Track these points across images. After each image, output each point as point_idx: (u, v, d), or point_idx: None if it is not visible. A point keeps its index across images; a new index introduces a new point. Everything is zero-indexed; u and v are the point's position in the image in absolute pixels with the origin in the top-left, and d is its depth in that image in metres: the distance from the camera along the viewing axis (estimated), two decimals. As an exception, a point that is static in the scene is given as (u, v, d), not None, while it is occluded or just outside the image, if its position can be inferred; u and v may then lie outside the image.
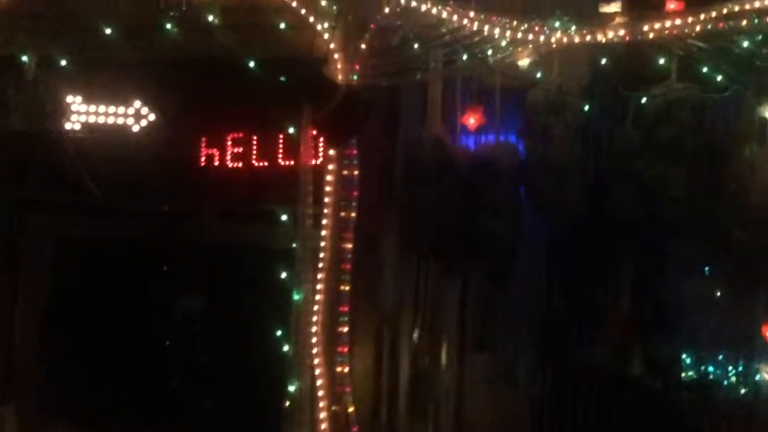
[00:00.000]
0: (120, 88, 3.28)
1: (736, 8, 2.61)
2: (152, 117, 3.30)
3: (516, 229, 2.89)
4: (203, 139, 3.32)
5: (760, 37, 2.60)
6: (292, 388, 2.77)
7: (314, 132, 2.83)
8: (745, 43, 2.61)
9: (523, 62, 2.93)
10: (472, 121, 3.07)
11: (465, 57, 2.84)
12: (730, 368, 3.18)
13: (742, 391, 3.09)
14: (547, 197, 2.77)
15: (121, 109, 3.33)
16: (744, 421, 3.01)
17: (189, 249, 3.43)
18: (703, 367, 3.21)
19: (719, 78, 2.65)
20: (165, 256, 3.49)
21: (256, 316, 3.17)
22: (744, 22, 2.59)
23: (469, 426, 3.25)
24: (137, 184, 3.23)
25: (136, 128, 3.34)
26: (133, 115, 3.33)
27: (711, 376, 3.18)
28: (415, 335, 3.20)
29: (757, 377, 3.10)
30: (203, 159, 3.32)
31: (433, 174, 2.85)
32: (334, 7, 2.77)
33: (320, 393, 2.84)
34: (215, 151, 3.29)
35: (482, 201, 2.90)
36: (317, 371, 2.85)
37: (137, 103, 3.32)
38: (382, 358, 3.32)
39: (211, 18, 2.94)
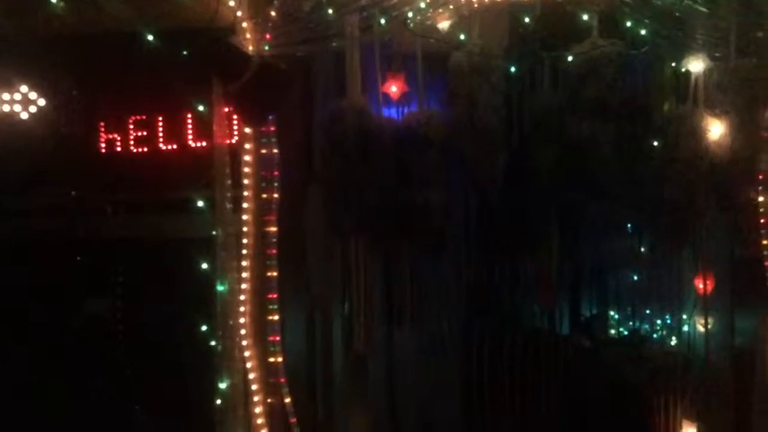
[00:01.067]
0: (3, 72, 2.93)
1: (656, -41, 2.53)
2: (42, 102, 2.97)
3: (446, 199, 2.74)
4: (101, 124, 3.00)
5: (681, -12, 2.54)
6: (223, 385, 2.56)
7: (227, 109, 2.58)
8: (666, -5, 2.55)
9: (444, 25, 2.77)
10: (394, 89, 2.91)
11: (383, 21, 2.65)
12: (659, 322, 3.20)
13: (673, 343, 3.11)
14: (475, 163, 2.63)
15: (6, 95, 3.01)
16: (677, 372, 3.02)
17: (94, 245, 3.11)
18: (632, 323, 3.22)
19: (642, 32, 2.57)
20: (67, 254, 3.16)
21: (178, 312, 2.92)
22: (663, -25, 2.51)
23: (404, 400, 3.11)
24: (31, 176, 2.89)
25: (24, 115, 3.03)
26: (20, 102, 3.02)
27: (641, 331, 3.19)
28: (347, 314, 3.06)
29: (686, 328, 3.12)
30: (103, 145, 3.01)
31: (357, 147, 2.65)
32: (239, -28, 2.52)
33: (254, 387, 2.64)
34: (116, 136, 2.99)
35: (411, 172, 2.73)
36: (249, 364, 2.64)
37: (24, 88, 3.00)
38: (315, 344, 3.17)
39: (99, -11, 2.63)
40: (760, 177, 2.71)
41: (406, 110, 2.94)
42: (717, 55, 2.63)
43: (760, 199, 2.72)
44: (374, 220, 2.85)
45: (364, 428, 3.17)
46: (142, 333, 3.16)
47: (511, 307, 3.28)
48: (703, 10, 2.60)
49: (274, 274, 2.66)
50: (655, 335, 3.20)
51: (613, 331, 3.27)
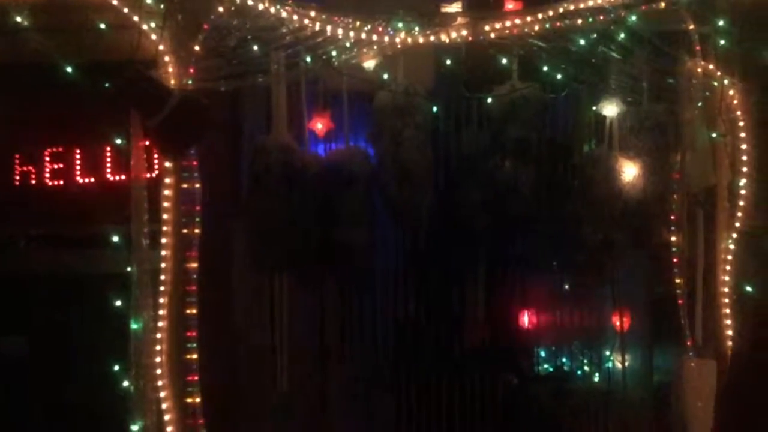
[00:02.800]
0: None
1: (572, 7, 2.60)
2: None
3: (371, 237, 2.72)
4: (16, 156, 2.88)
5: (594, 35, 2.61)
6: (135, 428, 2.44)
7: (147, 142, 2.51)
8: (582, 41, 2.61)
9: (369, 64, 2.78)
10: (320, 126, 2.88)
11: (308, 59, 2.64)
12: (582, 358, 3.24)
13: (596, 379, 3.14)
14: (399, 202, 2.62)
15: None
16: (600, 407, 3.05)
17: (4, 281, 2.96)
18: (557, 360, 3.25)
19: (559, 76, 2.63)
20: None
21: (90, 351, 2.79)
22: (579, 21, 2.59)
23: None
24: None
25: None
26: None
27: (565, 368, 3.21)
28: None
29: (608, 365, 3.15)
30: (17, 178, 2.88)
31: (281, 183, 2.61)
32: (162, 6, 2.47)
33: (169, 429, 2.52)
34: (31, 168, 2.86)
35: (335, 209, 2.70)
36: (164, 405, 2.52)
37: (-65, 119, 2.83)
38: (238, 383, 3.07)
39: (19, 19, 2.54)
40: (672, 218, 2.77)
41: (332, 147, 2.91)
42: (630, 100, 2.70)
43: (672, 239, 2.77)
44: (298, 258, 2.80)
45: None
46: (55, 372, 3.01)
47: (439, 345, 3.27)
48: (617, 57, 2.68)
49: (193, 311, 2.57)
50: (579, 371, 3.23)
51: (539, 368, 3.28)
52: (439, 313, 3.11)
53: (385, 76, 2.67)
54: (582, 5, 2.60)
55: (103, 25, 2.49)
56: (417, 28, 2.55)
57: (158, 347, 2.53)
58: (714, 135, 2.71)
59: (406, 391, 3.10)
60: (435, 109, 2.53)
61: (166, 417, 2.52)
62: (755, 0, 2.58)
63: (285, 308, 2.84)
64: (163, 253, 2.51)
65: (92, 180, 2.89)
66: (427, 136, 2.60)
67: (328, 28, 2.51)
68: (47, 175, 2.89)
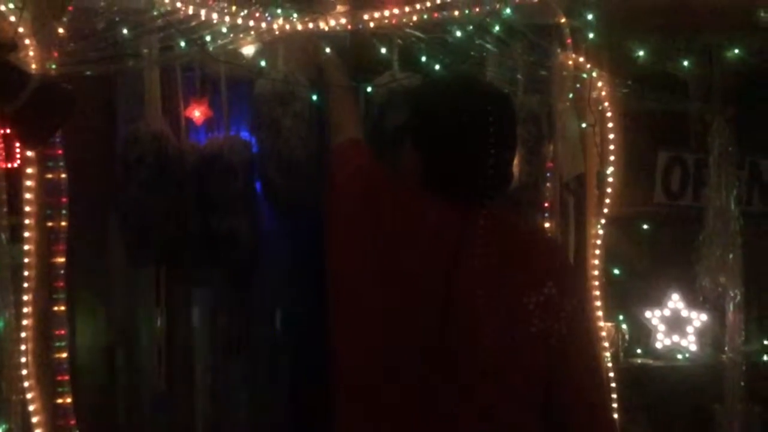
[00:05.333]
0: None
1: (449, -1, 2.62)
2: None
3: (253, 226, 2.64)
4: None
5: (471, 27, 2.63)
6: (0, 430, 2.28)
7: (6, 130, 2.34)
8: (458, 33, 2.63)
9: (248, 50, 2.69)
10: (197, 114, 2.77)
11: (183, 44, 2.53)
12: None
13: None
14: (280, 191, 2.56)
15: None
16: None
17: None
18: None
19: (437, 67, 2.64)
20: None
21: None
22: (456, 13, 2.60)
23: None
24: None
25: None
26: None
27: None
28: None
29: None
30: None
31: (154, 173, 2.49)
32: (22, -14, 2.29)
33: (38, 431, 2.38)
34: None
35: (215, 200, 2.60)
36: (31, 407, 2.38)
37: None
38: (117, 383, 2.94)
39: None
40: (546, 205, 2.85)
41: (211, 136, 2.81)
42: (506, 91, 2.74)
43: (546, 225, 2.85)
44: (178, 250, 2.69)
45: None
46: None
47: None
48: (493, 49, 2.71)
49: (62, 308, 2.42)
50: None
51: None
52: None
53: (263, 63, 2.57)
54: (459, -3, 2.61)
55: (-46, 5, 2.28)
56: (295, 15, 2.48)
57: (23, 347, 2.37)
58: (583, 125, 2.80)
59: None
60: (315, 97, 2.46)
61: (35, 419, 2.37)
62: (622, -6, 2.66)
63: (163, 303, 2.71)
64: (26, 247, 2.35)
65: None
66: (307, 124, 2.54)
67: (202, 12, 2.40)
68: None
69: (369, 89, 2.66)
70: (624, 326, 3.22)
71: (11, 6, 2.28)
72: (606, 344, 2.88)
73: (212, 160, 2.64)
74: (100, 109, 2.84)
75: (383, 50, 2.63)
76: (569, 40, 2.76)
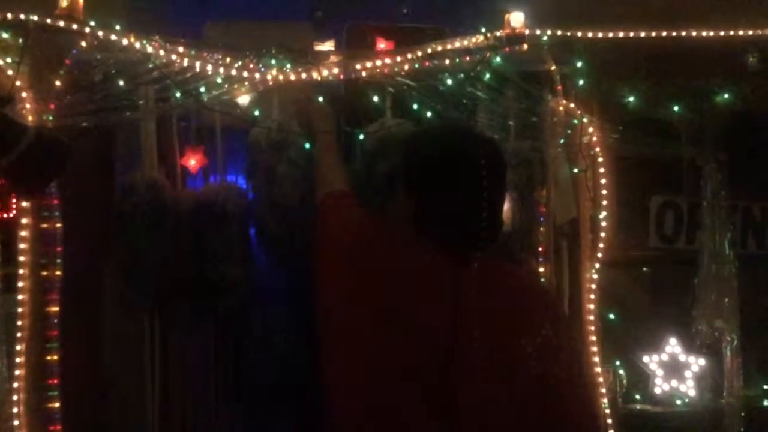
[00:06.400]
0: None
1: (439, 48, 2.65)
2: None
3: (248, 273, 2.64)
4: None
5: (462, 75, 2.66)
6: (-12, 484, 2.25)
7: (1, 181, 2.35)
8: (449, 81, 2.66)
9: (243, 100, 2.73)
10: (192, 162, 2.79)
11: (178, 95, 2.56)
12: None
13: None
14: (274, 237, 2.56)
15: None
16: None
17: None
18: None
19: (429, 114, 2.66)
20: None
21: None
22: (447, 61, 2.64)
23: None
24: None
25: None
26: None
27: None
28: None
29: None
30: None
31: (150, 220, 2.50)
32: (20, 40, 2.34)
33: (28, 483, 2.34)
34: None
35: (209, 246, 2.61)
36: (23, 458, 2.34)
37: None
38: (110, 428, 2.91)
39: None
40: (540, 249, 2.84)
41: (206, 184, 2.83)
42: (497, 137, 2.76)
43: (541, 269, 2.84)
44: (169, 298, 2.69)
45: None
46: None
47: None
48: (485, 97, 2.74)
49: (55, 358, 2.41)
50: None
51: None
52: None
53: (257, 113, 2.60)
54: (449, 46, 2.65)
55: (-48, 59, 2.32)
56: (289, 66, 2.51)
57: (15, 397, 2.35)
58: (576, 170, 2.81)
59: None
60: (308, 145, 2.48)
61: (25, 470, 2.33)
62: (610, 42, 2.69)
63: (158, 351, 2.70)
64: (20, 297, 2.34)
65: (-55, 220, 2.68)
66: (301, 171, 2.55)
67: (197, 64, 2.44)
68: None
69: (361, 137, 2.68)
70: (621, 371, 3.18)
71: (8, 60, 2.31)
72: (603, 390, 2.83)
73: (207, 207, 2.65)
74: (99, 160, 2.86)
75: (375, 98, 2.64)
76: (559, 87, 2.79)
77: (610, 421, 2.79)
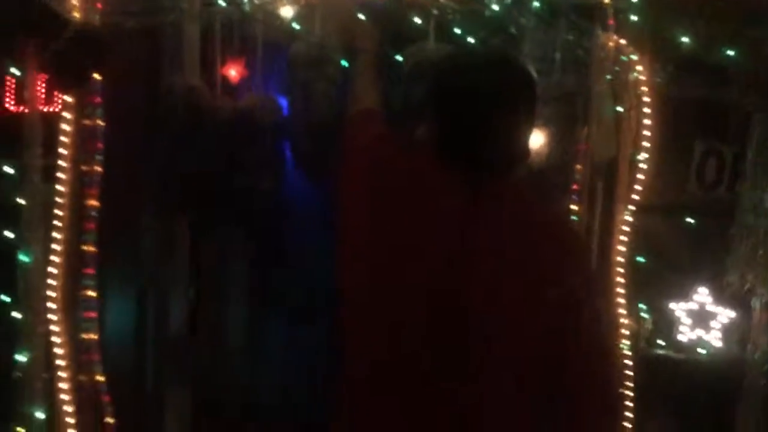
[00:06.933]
0: None
1: (489, -29, 2.56)
2: None
3: (277, 184, 2.67)
4: None
5: (508, 1, 2.58)
6: (22, 358, 2.39)
7: (44, 74, 2.41)
8: (495, 7, 2.58)
9: (287, 13, 2.71)
10: (233, 72, 2.80)
11: (221, 1, 2.56)
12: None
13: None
14: (308, 154, 2.58)
15: None
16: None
17: None
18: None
19: (471, 40, 2.60)
20: None
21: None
22: (495, -14, 2.55)
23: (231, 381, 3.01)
24: None
25: None
26: None
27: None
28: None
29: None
30: None
31: (186, 125, 2.54)
32: (71, -65, 2.35)
33: (61, 362, 2.48)
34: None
35: (242, 156, 2.65)
36: (58, 339, 2.48)
37: None
38: (146, 323, 3.04)
39: None
40: (575, 187, 2.80)
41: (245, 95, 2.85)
42: (541, 69, 2.68)
43: (574, 207, 2.80)
44: (204, 202, 2.75)
45: (188, 410, 3.07)
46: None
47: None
48: (531, 26, 2.65)
49: (92, 249, 2.51)
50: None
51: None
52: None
53: (298, 27, 2.58)
54: (499, -30, 2.55)
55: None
56: (333, -21, 2.47)
57: (51, 281, 2.46)
58: (619, 109, 2.72)
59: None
60: (346, 63, 2.46)
61: (59, 351, 2.46)
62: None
63: (186, 252, 2.78)
64: (59, 188, 2.43)
65: (-7, 110, 2.77)
66: (339, 89, 2.54)
67: (242, -29, 2.42)
68: (-50, 104, 2.76)
69: (400, 58, 2.64)
70: (647, 316, 3.15)
71: (58, -45, 2.33)
72: (625, 332, 2.82)
73: (243, 117, 2.67)
74: (145, 63, 2.89)
75: (417, 20, 2.59)
76: (611, 21, 2.68)
77: (630, 363, 2.78)
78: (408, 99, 2.58)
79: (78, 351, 2.53)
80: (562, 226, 2.17)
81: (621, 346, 2.79)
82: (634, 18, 2.68)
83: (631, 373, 2.76)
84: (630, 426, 2.67)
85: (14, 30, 2.09)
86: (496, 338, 1.79)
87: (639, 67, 2.72)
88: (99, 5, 2.41)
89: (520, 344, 1.80)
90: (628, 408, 2.67)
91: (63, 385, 2.47)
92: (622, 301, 2.81)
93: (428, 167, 1.90)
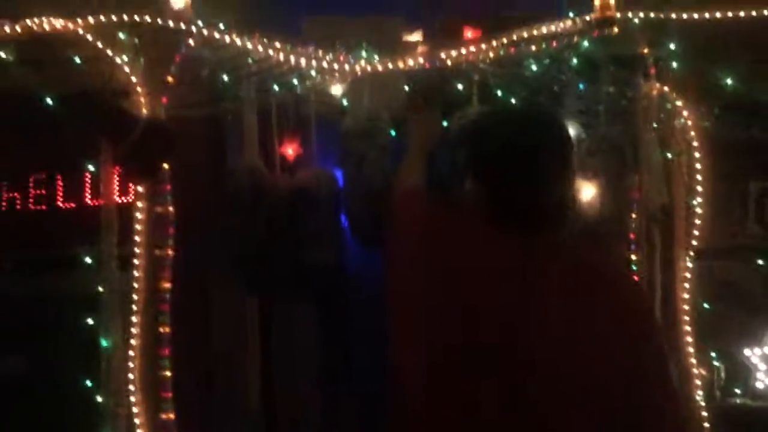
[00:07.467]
0: None
1: (525, 34, 2.65)
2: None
3: (340, 258, 2.75)
4: (2, 183, 2.96)
5: (547, 60, 2.66)
6: (106, 441, 2.48)
7: (118, 168, 2.59)
8: (534, 67, 2.66)
9: (336, 90, 2.85)
10: (290, 151, 2.95)
11: (276, 87, 2.72)
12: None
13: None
14: (362, 222, 2.66)
15: None
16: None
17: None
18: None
19: (513, 101, 2.67)
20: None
21: (65, 368, 2.84)
22: (533, 47, 2.64)
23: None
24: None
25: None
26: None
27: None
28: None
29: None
30: (4, 203, 2.96)
31: (249, 204, 2.67)
32: (136, 40, 2.56)
33: (142, 443, 2.56)
34: (16, 195, 2.95)
35: (303, 230, 2.74)
36: (137, 420, 2.56)
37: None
38: (217, 402, 3.11)
39: (3, 54, 2.64)
40: (631, 236, 2.79)
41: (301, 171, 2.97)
42: (586, 122, 2.73)
43: (632, 257, 2.78)
44: (269, 277, 2.84)
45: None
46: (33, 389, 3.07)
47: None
48: (570, 82, 2.72)
49: (167, 330, 2.61)
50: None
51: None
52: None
53: (346, 102, 2.71)
54: (535, 32, 2.64)
55: (78, 59, 2.57)
56: (377, 57, 2.60)
57: (131, 364, 2.56)
58: (669, 155, 2.73)
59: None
60: (394, 132, 2.56)
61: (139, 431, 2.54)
62: (704, 22, 2.60)
63: (256, 325, 2.87)
64: (135, 274, 2.55)
65: (73, 205, 2.96)
66: (388, 157, 2.64)
67: (292, 58, 2.57)
68: (31, 200, 2.97)
69: (445, 124, 2.73)
70: (719, 364, 3.06)
71: (125, 58, 2.53)
72: (699, 382, 2.74)
73: (302, 192, 2.79)
74: (210, 150, 3.05)
75: (459, 86, 2.68)
76: (653, 70, 2.71)
77: (706, 414, 2.69)
78: (454, 163, 2.64)
79: (157, 429, 2.58)
80: (617, 275, 2.12)
81: (695, 396, 2.71)
82: (674, 65, 2.71)
83: (708, 424, 2.67)
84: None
85: (99, 133, 2.26)
86: (563, 396, 1.76)
87: (684, 113, 2.74)
88: (164, 100, 2.57)
89: (587, 400, 1.76)
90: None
91: (146, 466, 2.53)
92: (691, 350, 2.74)
93: (479, 231, 1.88)
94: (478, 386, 1.70)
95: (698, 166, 2.63)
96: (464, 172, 2.06)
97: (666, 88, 2.66)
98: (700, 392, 2.66)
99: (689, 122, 2.63)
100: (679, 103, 2.62)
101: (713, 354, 2.98)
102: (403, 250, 1.90)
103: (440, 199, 2.07)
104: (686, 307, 2.67)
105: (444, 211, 1.95)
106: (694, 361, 2.65)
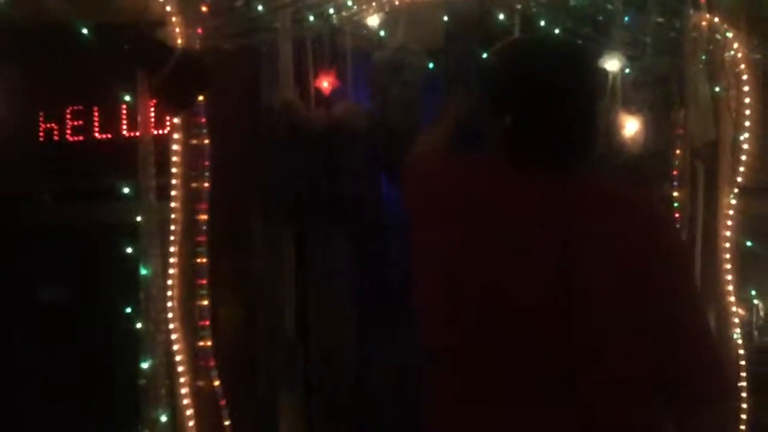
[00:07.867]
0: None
1: (571, -39, 2.54)
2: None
3: (377, 191, 2.73)
4: (40, 114, 2.98)
5: (593, -11, 2.54)
6: (145, 366, 2.55)
7: (154, 99, 2.57)
8: (581, -4, 2.55)
9: (373, 22, 2.77)
10: (325, 84, 2.89)
11: (311, 17, 2.65)
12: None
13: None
14: (387, 159, 2.62)
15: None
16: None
17: (30, 232, 3.10)
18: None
19: (557, 31, 2.57)
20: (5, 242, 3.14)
21: (105, 295, 2.91)
22: (579, -25, 2.52)
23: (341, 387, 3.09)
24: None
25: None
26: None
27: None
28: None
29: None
30: (41, 135, 2.99)
31: (285, 139, 2.65)
32: (169, -31, 2.50)
33: (180, 368, 2.62)
34: (54, 126, 2.96)
35: (340, 164, 2.72)
36: (176, 347, 2.62)
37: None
38: (255, 330, 3.16)
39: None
40: (674, 173, 2.72)
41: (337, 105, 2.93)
42: (632, 54, 2.63)
43: (675, 194, 2.72)
44: (306, 211, 2.84)
45: (299, 412, 3.16)
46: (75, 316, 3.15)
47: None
48: (618, 10, 2.60)
49: (204, 260, 2.64)
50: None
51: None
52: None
53: (382, 33, 2.64)
54: (581, -41, 2.52)
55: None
56: (414, -15, 2.51)
57: (169, 293, 2.61)
58: (717, 89, 2.63)
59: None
60: (431, 65, 2.49)
61: (177, 358, 2.60)
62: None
63: (292, 258, 2.88)
64: (172, 204, 2.57)
65: (109, 136, 2.97)
66: (416, 93, 2.57)
67: (328, -14, 2.50)
68: (68, 131, 2.98)
69: (484, 55, 2.64)
70: (758, 302, 3.01)
71: (160, -14, 2.49)
72: (737, 320, 2.70)
73: (337, 126, 2.75)
74: (245, 83, 3.02)
75: (500, 16, 2.59)
76: (703, 0, 2.59)
77: (743, 352, 2.66)
78: (487, 96, 2.57)
79: (195, 357, 2.64)
80: (648, 210, 2.03)
81: (733, 335, 2.67)
82: (727, -5, 2.58)
83: (744, 363, 2.64)
84: (744, 416, 2.56)
85: (134, 64, 2.24)
86: (604, 331, 1.74)
87: (735, 45, 2.62)
88: (199, 31, 2.53)
89: (626, 334, 1.74)
90: (741, 398, 2.56)
91: (183, 390, 2.60)
92: (731, 288, 2.70)
93: (504, 171, 1.82)
94: (523, 320, 1.69)
95: (747, 100, 2.51)
96: (498, 102, 1.98)
97: (716, 19, 2.52)
98: (738, 331, 2.60)
99: (739, 55, 2.51)
100: (729, 34, 2.49)
101: (753, 293, 2.92)
102: (426, 209, 1.83)
103: (465, 142, 1.99)
104: (727, 245, 2.59)
105: (460, 162, 1.88)
106: (732, 299, 2.59)
